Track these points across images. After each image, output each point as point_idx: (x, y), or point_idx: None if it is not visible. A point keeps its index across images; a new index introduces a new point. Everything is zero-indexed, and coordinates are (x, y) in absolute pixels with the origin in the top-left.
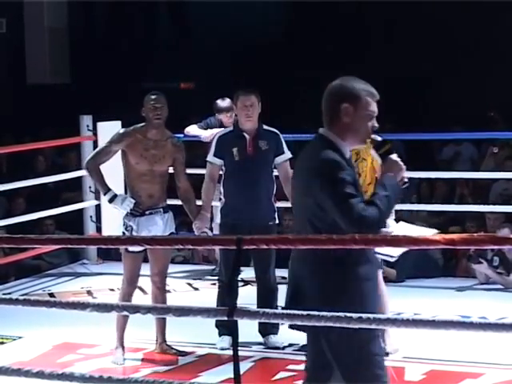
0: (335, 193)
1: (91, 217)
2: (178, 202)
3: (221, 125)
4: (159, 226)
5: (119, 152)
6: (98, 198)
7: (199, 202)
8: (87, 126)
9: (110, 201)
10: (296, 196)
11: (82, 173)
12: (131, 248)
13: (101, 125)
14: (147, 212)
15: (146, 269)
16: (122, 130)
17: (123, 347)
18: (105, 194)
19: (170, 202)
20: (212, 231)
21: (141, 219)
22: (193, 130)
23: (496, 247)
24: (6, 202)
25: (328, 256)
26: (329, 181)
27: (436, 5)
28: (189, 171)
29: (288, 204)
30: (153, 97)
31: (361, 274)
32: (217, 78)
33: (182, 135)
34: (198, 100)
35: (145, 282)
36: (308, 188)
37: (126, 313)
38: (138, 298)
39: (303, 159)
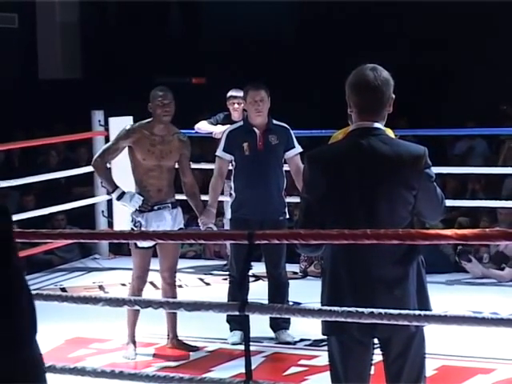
0: (434, 183)
1: (103, 212)
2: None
3: (227, 120)
4: (168, 221)
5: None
6: (109, 193)
7: (208, 197)
8: (99, 121)
9: (118, 198)
10: (383, 190)
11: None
12: (140, 244)
13: (112, 120)
14: (155, 207)
15: (156, 264)
16: (128, 127)
17: (135, 342)
18: (112, 192)
19: (179, 197)
20: (223, 227)
21: (149, 214)
22: (204, 126)
23: (509, 243)
24: (17, 196)
25: (414, 251)
26: (431, 171)
27: None
28: (200, 166)
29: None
30: (160, 93)
31: None
32: (229, 73)
33: (192, 131)
34: (209, 95)
35: (156, 277)
36: (408, 180)
37: (137, 307)
38: (150, 293)
39: (385, 153)
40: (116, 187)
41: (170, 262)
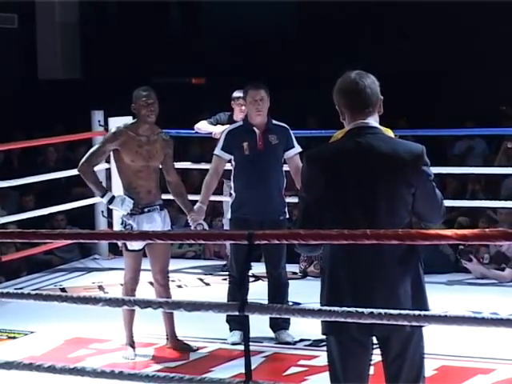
0: (432, 182)
1: (102, 212)
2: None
3: (230, 120)
4: (158, 222)
5: None
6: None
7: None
8: (99, 121)
9: (109, 202)
10: (382, 189)
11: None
12: (131, 247)
13: (112, 120)
14: (146, 210)
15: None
16: (113, 130)
17: (133, 343)
18: (102, 196)
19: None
20: (223, 227)
21: (140, 217)
22: (203, 126)
23: (510, 243)
24: (17, 196)
25: (413, 250)
26: (429, 170)
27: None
28: (199, 166)
29: None
30: (144, 93)
31: None
32: (229, 73)
33: (192, 131)
34: (209, 95)
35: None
36: (407, 178)
37: (137, 307)
38: (148, 293)
39: (383, 152)
40: (106, 191)
41: (161, 264)
